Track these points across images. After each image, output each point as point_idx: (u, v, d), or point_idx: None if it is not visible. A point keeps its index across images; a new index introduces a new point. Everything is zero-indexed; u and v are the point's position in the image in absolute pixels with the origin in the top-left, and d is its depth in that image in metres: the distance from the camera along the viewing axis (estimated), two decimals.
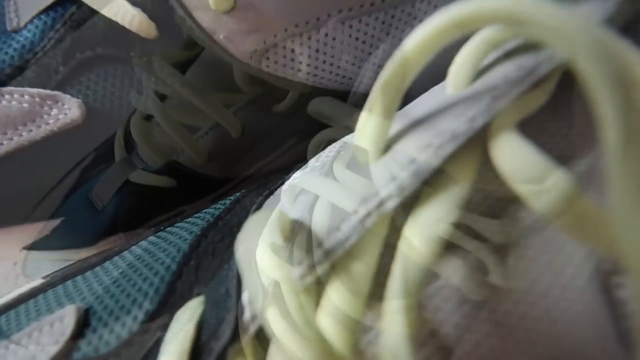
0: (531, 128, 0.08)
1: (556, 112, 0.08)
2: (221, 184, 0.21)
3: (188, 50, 0.17)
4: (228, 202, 0.12)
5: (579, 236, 0.07)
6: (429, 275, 0.07)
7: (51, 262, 0.20)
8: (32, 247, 0.16)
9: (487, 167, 0.07)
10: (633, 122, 0.06)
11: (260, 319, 0.07)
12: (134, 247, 0.12)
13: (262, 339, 0.08)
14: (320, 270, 0.07)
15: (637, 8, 0.07)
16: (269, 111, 0.19)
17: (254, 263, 0.07)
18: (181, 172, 0.20)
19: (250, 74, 0.13)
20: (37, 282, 0.13)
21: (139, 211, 0.20)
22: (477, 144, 0.08)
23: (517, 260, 0.07)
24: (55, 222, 0.15)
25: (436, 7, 0.12)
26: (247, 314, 0.08)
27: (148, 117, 0.20)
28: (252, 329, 0.08)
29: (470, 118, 0.07)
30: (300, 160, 0.12)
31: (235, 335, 0.08)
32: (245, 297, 0.08)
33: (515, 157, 0.07)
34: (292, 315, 0.07)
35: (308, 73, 0.13)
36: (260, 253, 0.07)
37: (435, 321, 0.07)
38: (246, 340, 0.08)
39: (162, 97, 0.18)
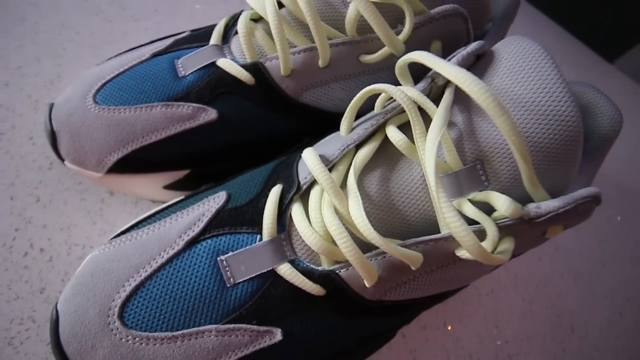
0: (404, 126, 0.22)
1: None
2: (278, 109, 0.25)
3: None
4: (283, 159, 0.25)
5: (412, 158, 0.21)
6: (360, 171, 0.21)
7: (155, 202, 0.32)
8: (169, 187, 0.28)
9: (386, 138, 0.22)
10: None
11: (306, 185, 0.21)
12: (239, 176, 0.25)
13: (306, 195, 0.22)
14: (329, 166, 0.21)
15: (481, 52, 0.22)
16: (357, 59, 0.24)
17: (305, 165, 0.21)
18: (262, 75, 0.24)
19: (293, 103, 0.27)
20: (180, 197, 0.26)
21: (212, 91, 0.24)
22: (382, 130, 0.22)
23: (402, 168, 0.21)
24: (185, 172, 0.28)
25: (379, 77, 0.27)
26: (300, 184, 0.21)
27: (256, 20, 0.25)
28: (302, 189, 0.21)
29: (377, 119, 0.21)
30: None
31: (296, 192, 0.21)
32: (300, 178, 0.21)
33: (392, 134, 0.21)
34: (321, 178, 0.20)
35: (324, 102, 0.27)
36: (309, 162, 0.21)
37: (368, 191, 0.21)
38: (299, 194, 0.21)
39: (279, 5, 0.24)
